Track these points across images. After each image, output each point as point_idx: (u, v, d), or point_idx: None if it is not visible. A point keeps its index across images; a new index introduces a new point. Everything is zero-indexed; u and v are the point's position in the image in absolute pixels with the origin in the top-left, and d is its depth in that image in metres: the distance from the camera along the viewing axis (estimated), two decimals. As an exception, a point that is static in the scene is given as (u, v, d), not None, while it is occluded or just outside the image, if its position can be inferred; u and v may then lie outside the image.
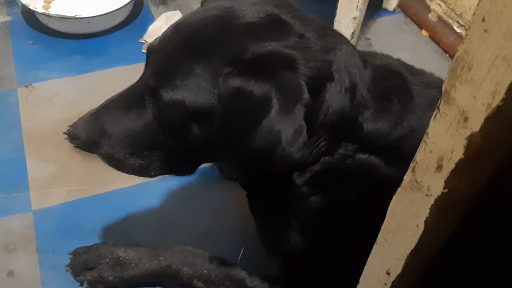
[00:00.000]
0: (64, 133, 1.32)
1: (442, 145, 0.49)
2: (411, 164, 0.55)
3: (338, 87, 0.81)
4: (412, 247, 0.59)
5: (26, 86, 1.50)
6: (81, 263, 1.06)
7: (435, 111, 0.49)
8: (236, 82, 0.75)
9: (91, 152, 1.25)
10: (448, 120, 0.47)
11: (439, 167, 0.50)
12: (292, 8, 0.86)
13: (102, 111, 0.91)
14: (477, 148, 0.46)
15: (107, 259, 1.05)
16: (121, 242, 1.08)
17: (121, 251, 1.05)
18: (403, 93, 0.88)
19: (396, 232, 0.61)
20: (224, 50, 0.78)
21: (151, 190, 1.26)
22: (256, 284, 1.00)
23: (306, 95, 0.75)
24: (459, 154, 0.47)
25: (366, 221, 0.78)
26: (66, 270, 1.07)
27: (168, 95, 0.80)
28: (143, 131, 0.87)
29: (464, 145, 0.46)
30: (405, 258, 0.61)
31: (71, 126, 1.32)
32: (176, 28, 0.85)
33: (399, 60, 0.97)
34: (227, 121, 0.77)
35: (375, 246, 0.67)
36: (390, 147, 0.85)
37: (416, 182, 0.54)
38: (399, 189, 0.58)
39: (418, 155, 0.53)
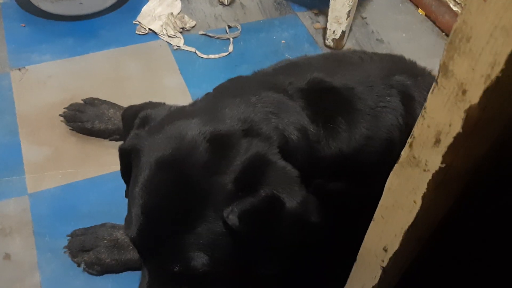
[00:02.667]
0: (60, 115, 1.31)
1: (440, 119, 0.48)
2: (409, 140, 0.54)
3: (295, 144, 0.79)
4: (409, 224, 0.58)
5: (19, 69, 1.48)
6: (79, 245, 1.06)
7: (433, 85, 0.49)
8: (235, 219, 0.71)
9: (90, 135, 1.26)
10: (446, 93, 0.47)
11: (437, 142, 0.50)
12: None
13: None
14: (475, 121, 0.46)
15: (105, 241, 1.05)
16: (119, 225, 1.08)
17: (120, 233, 1.05)
18: (343, 108, 0.84)
19: (393, 209, 0.60)
20: (208, 200, 0.73)
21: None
22: None
23: (296, 173, 0.75)
24: (457, 127, 0.47)
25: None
26: (64, 252, 1.07)
27: (201, 261, 0.74)
28: None
29: (462, 119, 0.46)
30: (402, 234, 0.61)
31: (67, 108, 1.31)
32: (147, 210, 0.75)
33: (318, 59, 0.92)
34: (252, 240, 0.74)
35: (372, 223, 0.67)
36: (350, 163, 0.84)
37: (414, 157, 0.54)
38: (396, 165, 0.57)
39: (416, 130, 0.52)
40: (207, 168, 0.72)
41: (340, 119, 0.82)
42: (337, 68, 0.90)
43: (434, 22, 1.73)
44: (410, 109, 0.86)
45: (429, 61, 0.98)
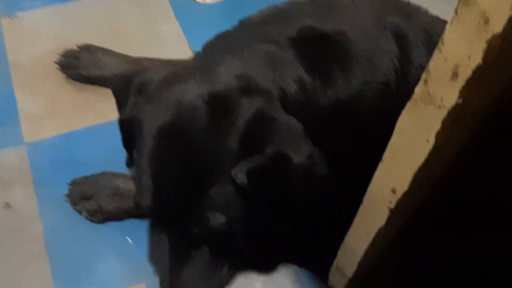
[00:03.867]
0: (55, 62, 1.27)
1: (459, 52, 0.46)
2: (423, 76, 0.52)
3: (293, 97, 0.78)
4: (421, 163, 0.57)
5: (10, 17, 1.42)
6: (80, 193, 1.05)
7: (452, 15, 0.46)
8: (243, 177, 0.71)
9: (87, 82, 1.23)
10: (467, 23, 0.44)
11: (454, 76, 0.48)
12: None
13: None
14: (497, 52, 0.44)
15: (106, 189, 1.04)
16: (119, 173, 1.07)
17: (121, 181, 1.04)
18: (336, 54, 0.82)
19: (403, 149, 0.59)
20: (215, 162, 0.72)
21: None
22: None
23: (300, 127, 0.74)
24: (477, 60, 0.45)
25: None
26: (65, 200, 1.06)
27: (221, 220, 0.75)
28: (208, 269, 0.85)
29: (483, 50, 0.43)
30: (412, 175, 0.60)
31: (61, 55, 1.27)
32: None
33: (307, 4, 0.89)
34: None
35: (380, 164, 0.66)
36: (348, 109, 0.82)
37: (428, 94, 0.52)
38: (408, 103, 0.56)
39: (432, 65, 0.50)
40: (210, 131, 0.71)
41: (335, 66, 0.81)
42: (328, 13, 0.87)
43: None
44: (405, 51, 0.84)
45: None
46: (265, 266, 1.04)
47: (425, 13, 0.92)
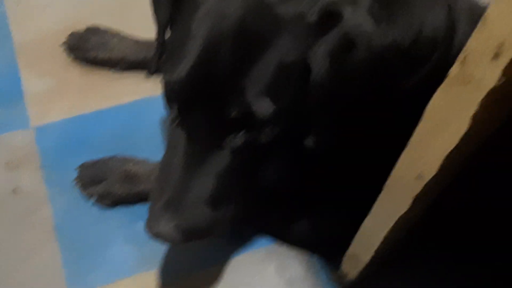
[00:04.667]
0: (62, 43, 1.24)
1: (504, 29, 0.44)
2: (460, 55, 0.50)
3: None
4: (453, 146, 0.55)
5: (14, -5, 1.39)
6: (89, 177, 1.03)
7: (498, -10, 0.44)
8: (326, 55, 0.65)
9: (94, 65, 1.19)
10: (516, -2, 0.42)
11: (497, 55, 0.46)
12: None
13: (176, 194, 0.76)
14: (547, 30, 0.42)
15: (116, 173, 1.02)
16: (129, 157, 1.05)
17: (131, 165, 1.02)
18: None
19: (434, 131, 0.57)
20: (284, 29, 0.66)
21: (154, 105, 1.21)
22: None
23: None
24: (525, 37, 0.43)
25: None
26: (74, 185, 1.04)
27: (267, 109, 0.67)
28: (229, 177, 0.76)
29: (533, 26, 0.41)
30: (442, 159, 0.58)
31: (69, 36, 1.24)
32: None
33: None
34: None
35: (407, 148, 0.64)
36: (404, 55, 0.76)
37: (466, 73, 0.50)
38: (443, 84, 0.54)
39: (471, 43, 0.48)
40: None
41: (400, 3, 0.74)
42: None
43: None
44: (452, 21, 0.78)
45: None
46: (276, 227, 1.01)
47: None
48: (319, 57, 0.65)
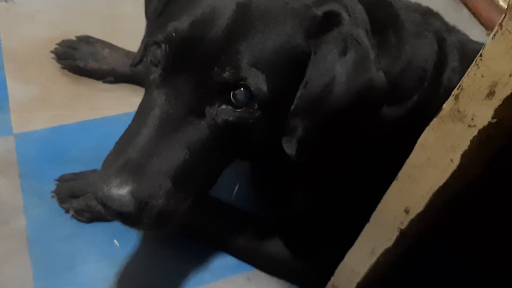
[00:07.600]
0: (51, 51, 1.22)
1: (499, 68, 0.43)
2: (454, 92, 0.49)
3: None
4: (441, 184, 0.54)
5: (6, 1, 1.37)
6: (67, 190, 1.00)
7: (495, 29, 0.43)
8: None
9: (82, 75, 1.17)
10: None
11: (491, 94, 0.45)
12: None
13: (139, 156, 0.67)
14: (543, 72, 0.41)
15: (96, 188, 0.99)
16: (110, 171, 1.02)
17: (111, 179, 0.99)
18: (394, 21, 0.80)
19: (423, 167, 0.56)
20: (291, 14, 0.67)
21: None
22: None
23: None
24: (520, 78, 0.42)
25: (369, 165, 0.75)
26: (52, 197, 1.01)
27: (259, 83, 0.64)
28: (200, 155, 0.69)
29: (528, 68, 0.41)
30: (430, 195, 0.57)
31: (59, 44, 1.22)
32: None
33: None
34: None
35: (394, 182, 0.62)
36: (391, 85, 0.75)
37: (458, 111, 0.49)
38: (434, 120, 0.53)
39: (466, 81, 0.47)
40: None
41: (391, 33, 0.78)
42: None
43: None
44: (443, 51, 0.81)
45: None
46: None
47: (461, 32, 0.91)
48: (347, 64, 0.66)
